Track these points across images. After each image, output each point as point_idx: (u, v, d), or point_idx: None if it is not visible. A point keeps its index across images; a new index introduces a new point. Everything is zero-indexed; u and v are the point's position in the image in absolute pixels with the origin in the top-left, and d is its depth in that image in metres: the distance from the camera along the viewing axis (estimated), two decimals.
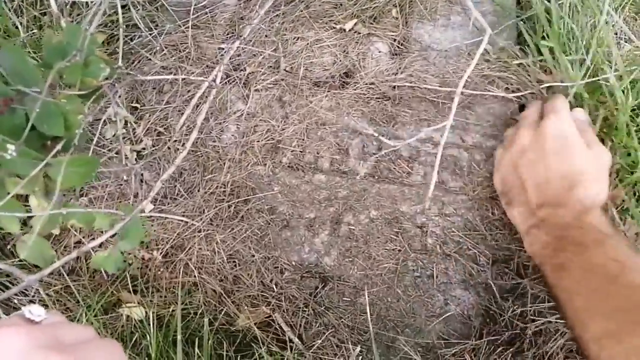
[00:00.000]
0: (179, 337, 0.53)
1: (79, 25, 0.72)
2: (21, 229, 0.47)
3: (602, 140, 0.64)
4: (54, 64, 0.39)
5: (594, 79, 0.67)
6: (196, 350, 0.56)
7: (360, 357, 0.60)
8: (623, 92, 0.65)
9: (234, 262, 0.67)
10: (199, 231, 0.68)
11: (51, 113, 0.38)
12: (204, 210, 0.70)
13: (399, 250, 0.67)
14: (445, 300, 0.64)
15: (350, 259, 0.66)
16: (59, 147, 0.40)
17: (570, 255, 0.53)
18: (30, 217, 0.47)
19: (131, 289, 0.65)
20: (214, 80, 0.57)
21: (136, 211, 0.52)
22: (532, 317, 0.60)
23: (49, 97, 0.38)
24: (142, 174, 0.73)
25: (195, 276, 0.65)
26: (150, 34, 0.83)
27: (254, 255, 0.67)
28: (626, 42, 0.81)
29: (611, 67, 0.66)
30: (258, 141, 0.74)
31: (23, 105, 0.38)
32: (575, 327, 0.51)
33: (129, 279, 0.65)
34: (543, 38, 0.75)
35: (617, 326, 0.48)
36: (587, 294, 0.51)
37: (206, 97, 0.74)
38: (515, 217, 0.61)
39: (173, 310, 0.59)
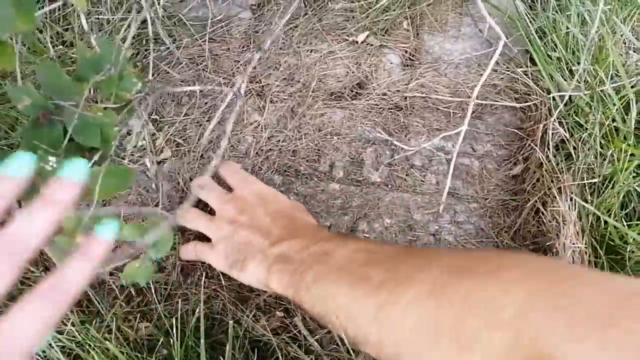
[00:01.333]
0: (202, 338, 0.55)
1: (111, 40, 0.75)
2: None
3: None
4: (88, 77, 0.42)
5: (597, 89, 0.68)
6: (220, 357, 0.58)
7: None
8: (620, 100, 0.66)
9: None
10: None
11: (88, 125, 0.40)
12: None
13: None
14: None
15: None
16: (96, 157, 0.42)
17: (319, 267, 0.52)
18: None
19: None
20: (239, 90, 0.59)
21: (167, 217, 0.54)
22: None
23: (85, 110, 0.40)
24: (162, 184, 0.75)
25: (215, 282, 0.67)
26: (169, 49, 0.86)
27: None
28: (635, 51, 0.83)
29: (612, 78, 0.68)
30: (274, 151, 0.76)
31: (61, 118, 0.40)
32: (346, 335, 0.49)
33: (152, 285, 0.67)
34: (552, 49, 0.77)
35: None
36: (345, 292, 0.49)
37: (230, 107, 0.76)
38: (255, 271, 0.57)
39: (196, 317, 0.61)
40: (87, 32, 0.68)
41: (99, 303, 0.63)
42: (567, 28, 0.76)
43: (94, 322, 0.59)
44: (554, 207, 0.62)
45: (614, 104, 0.66)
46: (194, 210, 0.66)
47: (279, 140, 0.78)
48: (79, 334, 0.53)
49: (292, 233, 0.58)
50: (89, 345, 0.51)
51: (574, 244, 0.57)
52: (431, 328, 0.43)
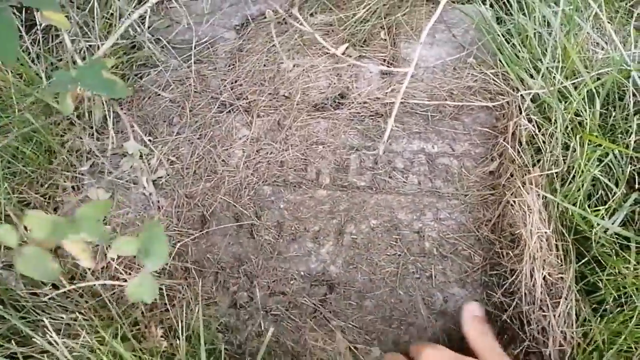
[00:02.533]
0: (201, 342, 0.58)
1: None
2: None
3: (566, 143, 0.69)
4: None
5: (562, 85, 0.72)
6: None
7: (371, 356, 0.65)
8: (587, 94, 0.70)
9: (247, 273, 0.72)
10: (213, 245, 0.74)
11: None
12: (210, 226, 0.76)
13: (399, 255, 0.72)
14: (444, 298, 0.69)
15: (354, 266, 0.72)
16: None
17: None
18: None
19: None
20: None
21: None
22: (527, 315, 0.65)
23: None
24: (158, 201, 0.79)
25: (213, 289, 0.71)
26: (158, 71, 0.90)
27: (264, 267, 0.72)
28: (602, 49, 0.87)
29: (575, 74, 0.72)
30: (262, 163, 0.81)
31: None
32: None
33: None
34: (520, 50, 0.81)
35: None
36: None
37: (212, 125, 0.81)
38: None
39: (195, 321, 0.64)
40: (71, 53, 0.73)
41: (114, 310, 0.67)
42: (534, 29, 0.80)
43: (109, 328, 0.62)
44: (520, 198, 0.66)
45: (574, 99, 0.70)
46: None
47: (267, 153, 0.82)
48: (92, 340, 0.56)
49: None
50: (100, 351, 0.55)
51: (539, 229, 0.61)
52: None
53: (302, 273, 0.72)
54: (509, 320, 0.65)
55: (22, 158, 0.77)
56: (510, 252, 0.68)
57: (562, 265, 0.61)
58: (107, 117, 0.83)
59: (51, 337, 0.54)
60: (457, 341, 0.66)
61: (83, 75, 0.59)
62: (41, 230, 0.47)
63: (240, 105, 0.87)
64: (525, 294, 0.62)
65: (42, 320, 0.63)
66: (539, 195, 0.64)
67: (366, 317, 0.68)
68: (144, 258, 0.53)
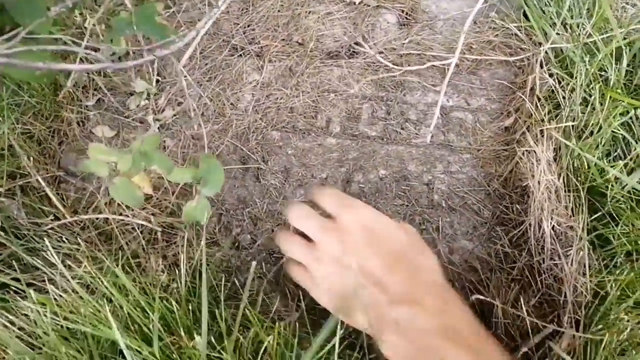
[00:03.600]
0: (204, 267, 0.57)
1: None
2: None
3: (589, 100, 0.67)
4: None
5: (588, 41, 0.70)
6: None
7: None
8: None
9: (251, 215, 0.71)
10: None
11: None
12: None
13: (407, 206, 0.70)
14: (450, 250, 0.68)
15: None
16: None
17: None
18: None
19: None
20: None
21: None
22: (538, 266, 0.63)
23: None
24: (164, 141, 0.78)
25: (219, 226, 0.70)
26: (169, 14, 0.88)
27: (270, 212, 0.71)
28: (632, 6, 0.83)
29: (604, 31, 0.69)
30: (272, 108, 0.79)
31: None
32: None
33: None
34: (546, 4, 0.78)
35: None
36: None
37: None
38: (365, 324, 0.50)
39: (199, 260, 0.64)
40: None
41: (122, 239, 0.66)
42: None
43: (110, 257, 0.62)
44: (531, 148, 0.64)
45: (601, 53, 0.67)
46: (289, 234, 0.58)
47: (277, 98, 0.80)
48: (92, 269, 0.56)
49: (412, 292, 0.49)
50: (100, 280, 0.54)
51: (547, 179, 0.59)
52: None
53: None
54: (519, 274, 0.64)
55: (27, 89, 0.76)
56: (519, 207, 0.67)
57: (571, 216, 0.59)
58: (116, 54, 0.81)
59: (54, 259, 0.53)
60: (458, 290, 0.65)
61: (139, 20, 0.62)
62: (125, 163, 0.55)
63: (252, 49, 0.85)
64: (534, 244, 0.61)
65: (43, 250, 0.63)
66: (549, 146, 0.61)
67: None
68: (201, 186, 0.57)
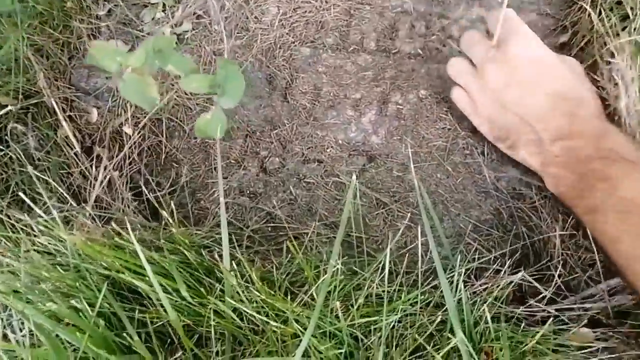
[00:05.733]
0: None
1: None
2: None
3: None
4: None
5: None
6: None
7: (413, 232, 0.60)
8: None
9: (279, 137, 0.66)
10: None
11: None
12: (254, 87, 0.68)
13: (449, 129, 0.65)
14: (496, 177, 0.62)
15: (398, 138, 0.65)
16: None
17: (600, 196, 0.47)
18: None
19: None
20: None
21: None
22: None
23: None
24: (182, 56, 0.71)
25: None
26: None
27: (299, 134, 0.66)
28: None
29: None
30: (300, 22, 0.71)
31: None
32: (624, 273, 0.47)
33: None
34: None
35: None
36: (631, 240, 0.45)
37: None
38: (527, 159, 0.55)
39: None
40: None
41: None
42: None
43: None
44: (610, 65, 0.57)
45: None
46: (458, 59, 0.60)
47: (306, 11, 0.72)
48: None
49: (573, 128, 0.50)
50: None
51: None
52: None
53: (339, 141, 0.65)
54: None
55: None
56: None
57: None
58: None
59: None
60: (507, 220, 0.60)
61: None
62: (137, 60, 0.46)
63: None
64: None
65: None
66: (635, 63, 0.54)
67: (409, 192, 0.62)
68: (219, 95, 0.50)
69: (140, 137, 0.66)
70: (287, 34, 0.71)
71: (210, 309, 0.44)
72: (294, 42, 0.71)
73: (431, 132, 0.65)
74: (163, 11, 0.74)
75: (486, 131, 0.58)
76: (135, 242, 0.41)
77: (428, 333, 0.47)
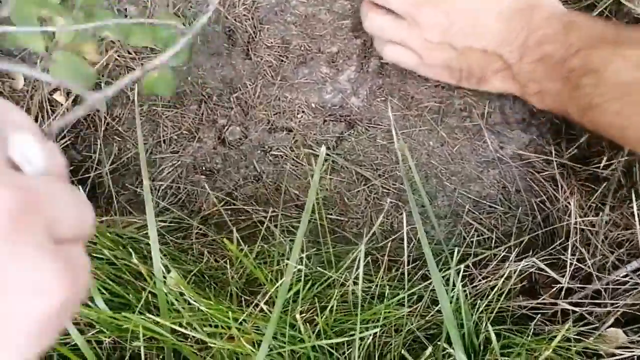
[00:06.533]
0: None
1: None
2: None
3: None
4: None
5: None
6: None
7: (400, 213, 0.50)
8: None
9: (240, 102, 0.55)
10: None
11: None
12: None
13: (443, 87, 0.54)
14: (500, 143, 0.52)
15: (382, 99, 0.54)
16: None
17: (590, 91, 0.42)
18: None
19: None
20: None
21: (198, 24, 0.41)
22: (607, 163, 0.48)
23: None
24: (125, 9, 0.60)
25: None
26: None
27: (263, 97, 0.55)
28: None
29: None
30: None
31: None
32: None
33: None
34: None
35: None
36: (638, 120, 0.41)
37: None
38: (501, 87, 0.48)
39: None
40: None
41: None
42: None
43: None
44: None
45: None
46: (381, 13, 0.49)
47: None
48: None
49: (535, 37, 0.45)
50: None
51: None
52: None
53: (313, 105, 0.55)
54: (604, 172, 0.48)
55: None
56: None
57: None
58: None
59: None
60: (514, 194, 0.50)
61: None
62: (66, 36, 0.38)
63: None
64: None
65: None
66: None
67: (396, 165, 0.52)
68: (164, 52, 0.41)
69: (74, 105, 0.55)
70: None
71: (139, 324, 0.34)
72: None
73: (422, 91, 0.54)
74: None
75: (446, 78, 0.50)
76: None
77: (418, 342, 0.37)
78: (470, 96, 0.53)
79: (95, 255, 0.37)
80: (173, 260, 0.40)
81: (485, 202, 0.50)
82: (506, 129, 0.52)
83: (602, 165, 0.47)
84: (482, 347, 0.37)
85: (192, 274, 0.40)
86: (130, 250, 0.38)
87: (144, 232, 0.44)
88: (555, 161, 0.49)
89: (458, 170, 0.52)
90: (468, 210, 0.50)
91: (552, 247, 0.46)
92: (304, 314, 0.34)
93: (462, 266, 0.36)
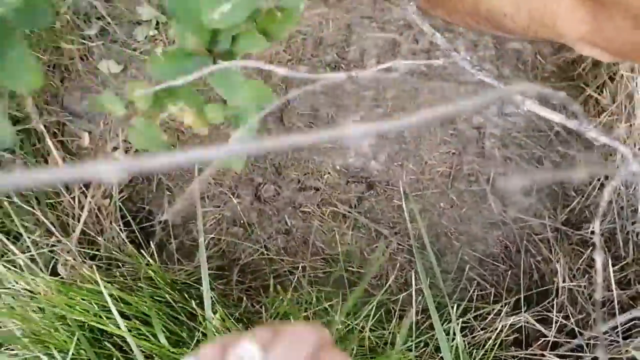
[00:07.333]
0: None
1: None
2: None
3: None
4: None
5: None
6: None
7: (413, 268, 0.57)
8: None
9: (274, 163, 0.63)
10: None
11: None
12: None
13: (454, 154, 0.61)
14: (503, 206, 0.59)
15: (399, 163, 0.61)
16: None
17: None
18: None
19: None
20: None
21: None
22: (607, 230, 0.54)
23: None
24: None
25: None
26: None
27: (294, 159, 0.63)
28: None
29: None
30: (296, 39, 0.68)
31: None
32: None
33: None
34: None
35: None
36: None
37: None
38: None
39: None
40: None
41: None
42: None
43: None
44: (627, 76, 0.52)
45: None
46: None
47: (303, 26, 0.69)
48: None
49: None
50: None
51: None
52: None
53: (337, 167, 0.62)
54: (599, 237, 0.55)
55: None
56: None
57: None
58: None
59: None
60: (515, 254, 0.56)
61: None
62: (144, 101, 0.42)
63: None
64: (616, 203, 0.51)
65: None
66: None
67: (411, 223, 0.59)
68: (235, 126, 0.47)
69: None
70: (283, 51, 0.68)
71: None
72: (290, 60, 0.67)
73: (434, 156, 0.61)
74: (156, 28, 0.71)
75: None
76: (104, 289, 0.38)
77: None
78: (478, 163, 0.60)
79: (157, 298, 0.44)
80: (217, 303, 0.47)
81: (489, 260, 0.57)
82: (509, 194, 0.59)
83: (589, 231, 0.53)
84: None
85: (233, 316, 0.47)
86: (186, 295, 0.45)
87: (193, 277, 0.52)
88: (549, 225, 0.55)
89: (465, 230, 0.58)
90: (473, 267, 0.56)
91: (542, 304, 0.52)
92: None
93: (460, 320, 0.43)
